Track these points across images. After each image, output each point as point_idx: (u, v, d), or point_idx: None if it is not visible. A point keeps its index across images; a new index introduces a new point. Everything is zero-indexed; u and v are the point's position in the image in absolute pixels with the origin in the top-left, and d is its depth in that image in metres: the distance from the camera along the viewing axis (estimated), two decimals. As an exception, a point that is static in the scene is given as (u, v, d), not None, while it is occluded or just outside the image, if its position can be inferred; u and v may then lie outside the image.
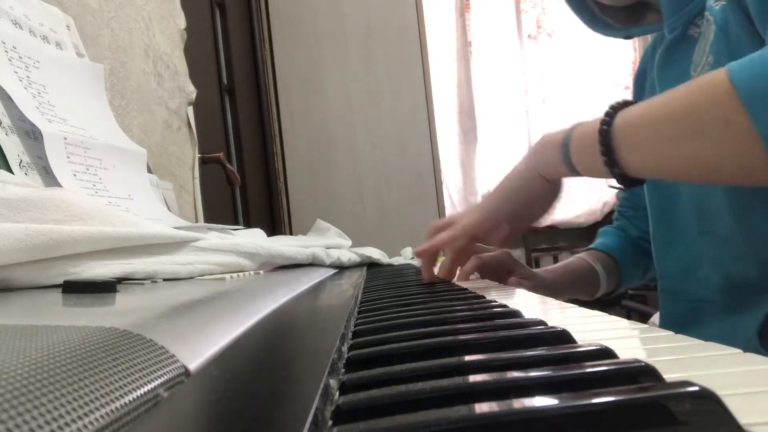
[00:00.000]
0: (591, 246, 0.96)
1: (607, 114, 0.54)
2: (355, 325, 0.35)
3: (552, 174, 0.62)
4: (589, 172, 0.58)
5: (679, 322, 0.75)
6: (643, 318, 2.06)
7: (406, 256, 1.51)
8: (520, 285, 0.77)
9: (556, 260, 3.08)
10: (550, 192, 0.65)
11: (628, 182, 0.55)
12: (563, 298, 0.91)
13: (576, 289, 0.90)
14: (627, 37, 0.83)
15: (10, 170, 0.49)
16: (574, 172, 0.59)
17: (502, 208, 0.65)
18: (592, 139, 0.54)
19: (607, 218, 3.06)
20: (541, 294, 0.82)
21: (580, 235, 3.18)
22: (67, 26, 0.72)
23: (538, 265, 2.61)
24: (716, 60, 0.61)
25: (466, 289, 0.61)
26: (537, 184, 0.63)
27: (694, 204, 0.70)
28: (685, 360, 0.27)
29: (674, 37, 0.69)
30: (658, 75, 0.72)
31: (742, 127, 0.43)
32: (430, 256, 0.71)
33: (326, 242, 0.96)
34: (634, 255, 0.93)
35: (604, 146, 0.53)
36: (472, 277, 0.79)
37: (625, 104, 0.54)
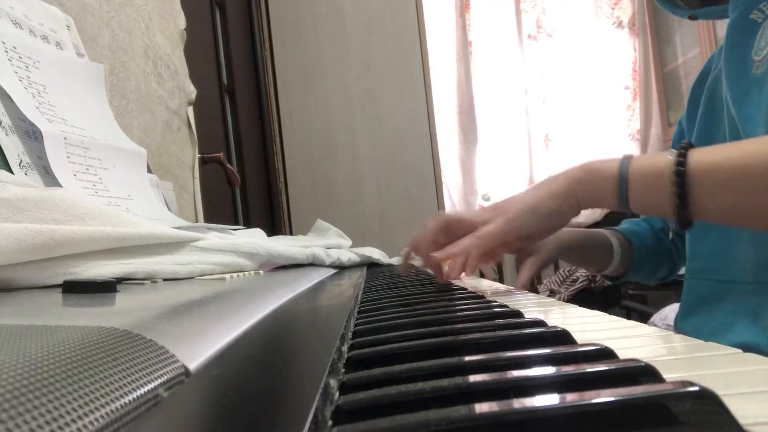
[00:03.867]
0: (615, 227, 0.96)
1: (679, 155, 0.53)
2: (355, 325, 0.35)
3: (594, 204, 0.61)
4: (645, 210, 0.58)
5: (702, 298, 0.75)
6: (643, 318, 2.06)
7: (406, 256, 1.51)
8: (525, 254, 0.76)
9: (556, 261, 3.08)
10: (572, 218, 0.64)
11: (688, 225, 0.54)
12: (573, 261, 0.91)
13: (588, 255, 0.89)
14: (691, 17, 0.82)
15: (10, 170, 0.49)
16: (625, 207, 0.58)
17: (528, 225, 0.62)
18: (659, 179, 0.54)
19: (607, 218, 3.06)
20: (553, 256, 0.81)
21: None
22: (67, 26, 0.72)
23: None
24: None
25: (466, 288, 0.61)
26: (571, 210, 0.62)
27: None
28: (685, 360, 0.27)
29: (735, 18, 0.69)
30: (724, 58, 0.71)
31: None
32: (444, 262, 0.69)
33: (326, 242, 0.96)
34: (651, 245, 0.93)
35: (680, 188, 0.52)
36: (472, 276, 0.79)
37: (691, 145, 0.54)
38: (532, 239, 0.67)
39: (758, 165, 0.49)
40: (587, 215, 3.17)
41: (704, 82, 0.84)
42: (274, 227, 2.20)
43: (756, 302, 0.68)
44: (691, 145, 0.55)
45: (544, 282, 2.62)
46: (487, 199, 3.27)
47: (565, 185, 0.61)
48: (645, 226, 0.97)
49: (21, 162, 0.51)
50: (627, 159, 0.59)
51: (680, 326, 0.82)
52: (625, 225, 0.98)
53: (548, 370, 0.22)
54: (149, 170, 0.77)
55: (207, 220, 1.27)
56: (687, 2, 0.82)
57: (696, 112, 0.84)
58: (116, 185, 0.63)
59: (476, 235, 0.62)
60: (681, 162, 0.53)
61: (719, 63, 0.77)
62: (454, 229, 0.66)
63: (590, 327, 0.37)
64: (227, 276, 0.48)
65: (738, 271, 0.72)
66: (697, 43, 2.96)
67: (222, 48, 1.81)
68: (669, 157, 0.54)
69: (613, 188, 0.58)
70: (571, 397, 0.18)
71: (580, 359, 0.23)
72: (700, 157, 0.53)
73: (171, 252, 0.47)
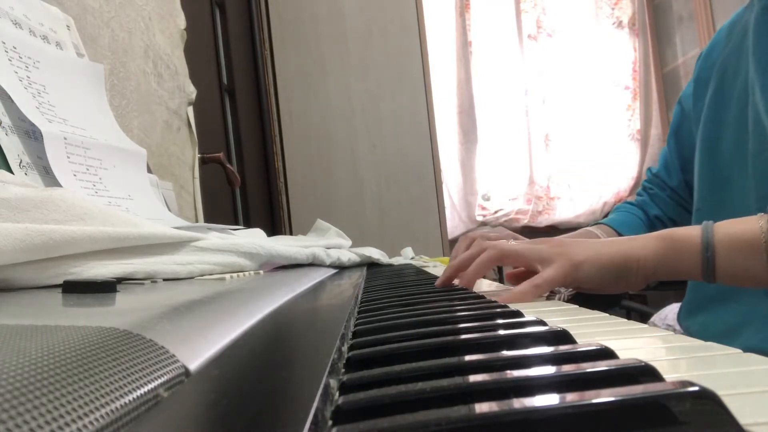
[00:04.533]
0: (601, 221, 0.95)
1: None
2: (355, 325, 0.35)
3: (674, 276, 0.56)
4: (733, 280, 0.54)
5: (708, 297, 0.75)
6: (643, 318, 2.06)
7: (406, 256, 1.51)
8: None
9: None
10: (629, 287, 0.59)
11: None
12: None
13: None
14: None
15: (10, 170, 0.49)
16: (710, 278, 0.55)
17: (591, 279, 0.56)
18: (751, 247, 0.52)
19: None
20: None
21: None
22: (67, 26, 0.72)
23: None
24: None
25: (466, 289, 0.61)
26: (638, 281, 0.56)
27: (757, 185, 0.69)
28: (685, 360, 0.27)
29: (765, 5, 0.68)
30: (755, 41, 0.69)
31: None
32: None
33: (326, 242, 0.96)
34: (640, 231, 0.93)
35: None
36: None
37: None
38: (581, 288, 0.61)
39: None
40: (587, 215, 3.18)
41: (712, 58, 0.83)
42: (274, 227, 2.20)
43: (758, 307, 0.67)
44: None
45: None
46: (487, 199, 3.27)
47: (645, 253, 0.56)
48: (638, 213, 0.96)
49: (21, 162, 0.51)
50: (708, 226, 0.55)
51: (685, 324, 0.82)
52: (614, 215, 0.96)
53: (548, 370, 0.22)
54: (149, 170, 0.77)
55: (207, 220, 1.27)
56: None
57: (705, 91, 0.83)
58: (116, 185, 0.63)
59: (536, 284, 0.55)
60: None
61: (730, 41, 0.76)
62: (506, 263, 0.61)
63: (590, 327, 0.37)
64: (227, 276, 0.48)
65: None
66: (697, 43, 2.96)
67: (222, 48, 1.81)
68: (761, 222, 0.51)
69: (697, 258, 0.54)
70: (571, 397, 0.18)
71: (580, 359, 0.23)
72: None
73: (171, 252, 0.47)
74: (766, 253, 0.51)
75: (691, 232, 0.55)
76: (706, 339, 0.29)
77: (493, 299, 0.46)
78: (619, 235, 0.91)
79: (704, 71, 0.85)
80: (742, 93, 0.73)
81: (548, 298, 0.62)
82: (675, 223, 0.91)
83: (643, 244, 0.56)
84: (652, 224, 0.94)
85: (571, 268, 0.55)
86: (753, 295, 0.69)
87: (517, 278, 0.63)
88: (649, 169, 1.01)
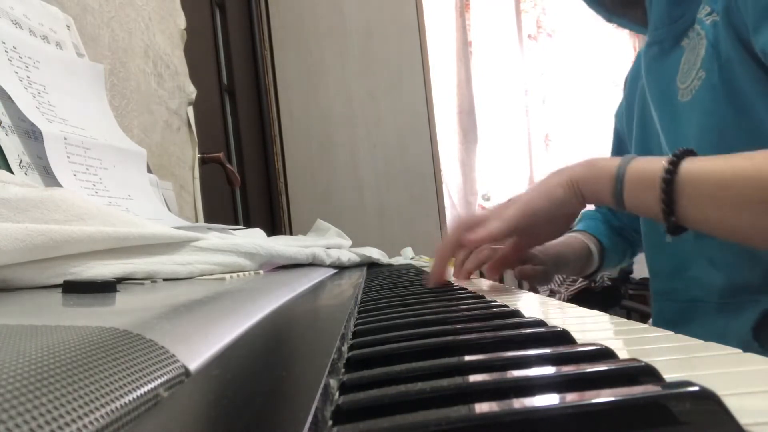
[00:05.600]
0: (580, 227, 0.98)
1: (670, 162, 0.54)
2: (355, 325, 0.35)
3: (594, 199, 0.63)
4: (638, 211, 0.59)
5: (671, 321, 0.76)
6: (643, 318, 2.06)
7: (406, 256, 1.51)
8: (535, 273, 0.78)
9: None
10: (579, 211, 0.66)
11: (677, 230, 0.56)
12: (562, 273, 0.94)
13: (574, 266, 0.92)
14: (609, 21, 0.85)
15: (10, 170, 0.49)
16: (620, 206, 0.59)
17: (543, 209, 0.63)
18: (650, 183, 0.55)
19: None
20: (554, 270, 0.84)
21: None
22: (67, 26, 0.72)
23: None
24: (707, 76, 0.63)
25: (466, 289, 0.61)
26: (577, 202, 0.63)
27: None
28: (684, 360, 0.27)
29: (653, 43, 0.71)
30: (646, 79, 0.74)
31: None
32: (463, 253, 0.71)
33: (326, 242, 0.96)
34: (617, 242, 0.96)
35: (666, 195, 0.54)
36: (472, 277, 0.79)
37: (687, 153, 0.55)
38: (541, 235, 0.68)
39: (742, 183, 0.50)
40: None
41: (636, 81, 0.84)
42: (274, 227, 2.20)
43: (722, 323, 0.67)
44: (689, 152, 0.55)
45: (544, 282, 2.61)
46: (487, 199, 3.27)
47: (570, 178, 0.63)
48: (606, 223, 0.98)
49: (21, 162, 0.51)
50: (628, 159, 0.59)
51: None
52: (588, 222, 0.98)
53: (548, 370, 0.22)
54: (149, 170, 0.77)
55: (207, 220, 1.27)
56: (606, 5, 0.82)
57: (632, 115, 0.85)
58: (116, 185, 0.63)
59: (500, 217, 0.63)
60: (671, 170, 0.54)
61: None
62: (474, 227, 0.66)
63: (590, 327, 0.37)
64: (227, 276, 0.48)
65: (699, 290, 0.71)
66: (697, 43, 2.96)
67: (222, 48, 1.81)
68: (662, 162, 0.55)
69: (610, 185, 0.59)
70: (571, 397, 0.18)
71: (580, 359, 0.23)
72: (691, 165, 0.54)
73: (171, 252, 0.47)
74: (659, 189, 0.54)
75: (612, 162, 0.60)
76: None
77: (492, 299, 0.46)
78: (600, 241, 0.94)
79: (630, 94, 0.86)
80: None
81: (548, 298, 0.62)
82: (636, 231, 0.92)
83: (571, 170, 0.63)
84: (619, 234, 0.97)
85: (524, 205, 0.63)
86: (706, 311, 0.70)
87: (495, 271, 0.72)
88: None
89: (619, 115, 0.94)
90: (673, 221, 0.55)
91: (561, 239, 0.91)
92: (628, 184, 0.58)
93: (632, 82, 0.87)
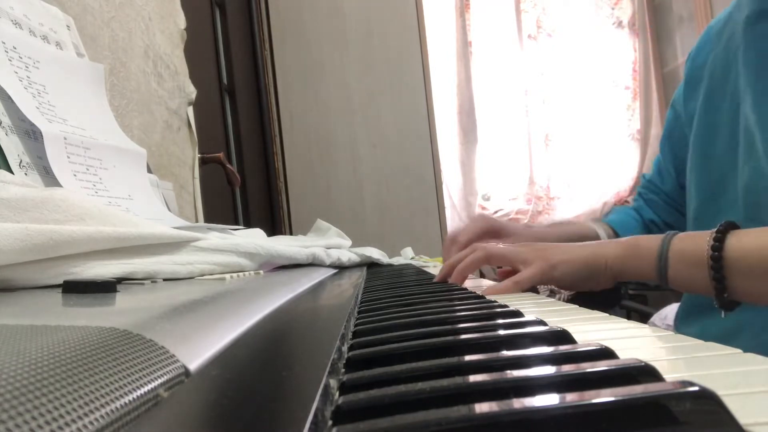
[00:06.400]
0: (605, 221, 0.97)
1: (716, 239, 0.55)
2: (355, 325, 0.35)
3: (632, 278, 0.63)
4: (683, 288, 0.60)
5: (698, 307, 0.76)
6: (643, 318, 2.06)
7: (406, 256, 1.51)
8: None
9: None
10: (599, 286, 0.66)
11: (731, 305, 0.56)
12: None
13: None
14: None
15: (10, 170, 0.49)
16: (665, 283, 0.60)
17: (565, 278, 0.64)
18: (698, 260, 0.56)
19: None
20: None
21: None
22: (67, 26, 0.72)
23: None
24: None
25: (466, 289, 0.61)
26: (603, 279, 0.63)
27: (745, 192, 0.71)
28: (684, 360, 0.27)
29: (752, 12, 0.69)
30: (744, 50, 0.70)
31: None
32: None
33: (326, 242, 0.96)
34: (638, 232, 0.93)
35: (716, 271, 0.54)
36: (471, 276, 0.80)
37: (730, 226, 0.56)
38: (558, 285, 0.68)
39: None
40: (587, 215, 3.18)
41: (701, 58, 0.83)
42: (274, 227, 2.20)
43: (754, 312, 0.67)
44: (732, 225, 0.56)
45: (544, 282, 2.61)
46: (487, 199, 3.27)
47: (611, 256, 0.63)
48: (634, 215, 0.97)
49: (21, 162, 0.51)
50: (669, 237, 0.60)
51: (681, 331, 0.82)
52: (612, 215, 0.98)
53: (548, 370, 0.22)
54: (149, 170, 0.77)
55: (207, 220, 1.27)
56: None
57: (696, 92, 0.83)
58: (116, 185, 0.63)
59: (515, 281, 0.62)
60: (718, 246, 0.54)
61: (720, 42, 0.75)
62: (493, 263, 0.68)
63: (590, 327, 0.37)
64: (227, 276, 0.48)
65: None
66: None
67: (222, 48, 1.81)
68: (707, 238, 0.55)
69: (653, 264, 0.60)
70: (571, 397, 0.18)
71: (580, 359, 0.23)
72: (738, 242, 0.54)
73: (171, 252, 0.47)
74: (707, 267, 0.55)
75: (653, 242, 0.61)
76: None
77: (492, 299, 0.46)
78: (616, 233, 0.92)
79: (694, 71, 0.85)
80: (733, 97, 0.73)
81: (548, 298, 0.62)
82: (670, 227, 0.92)
83: (612, 248, 0.63)
84: (648, 228, 0.96)
85: (548, 268, 0.63)
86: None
87: (507, 275, 0.70)
88: (643, 176, 1.02)
89: (677, 99, 0.91)
90: (725, 297, 0.55)
91: (556, 223, 0.91)
92: (673, 262, 0.58)
93: (695, 59, 0.85)
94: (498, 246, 0.69)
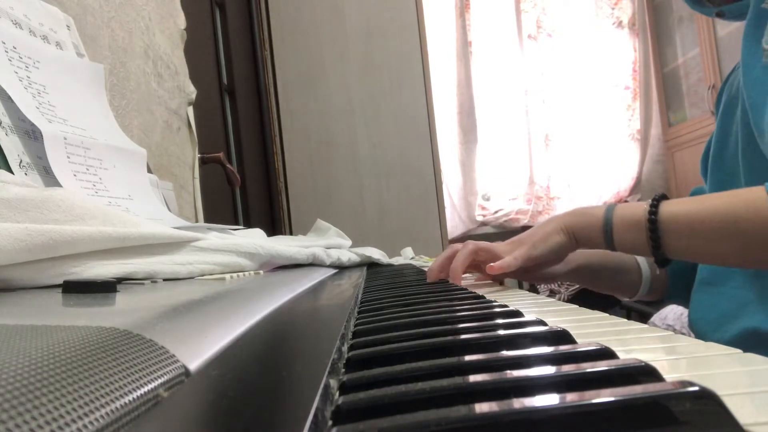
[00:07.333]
0: None
1: (652, 205, 0.65)
2: (355, 325, 0.36)
3: (586, 243, 0.73)
4: (626, 249, 0.69)
5: (704, 282, 0.78)
6: (643, 318, 2.06)
7: (406, 256, 1.51)
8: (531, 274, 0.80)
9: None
10: (571, 252, 0.76)
11: (664, 262, 0.66)
12: (592, 285, 0.91)
13: (604, 276, 0.88)
14: (719, 15, 0.83)
15: (10, 170, 0.49)
16: (611, 247, 0.70)
17: (543, 254, 0.73)
18: (636, 224, 0.66)
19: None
20: (572, 281, 0.89)
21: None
22: (67, 26, 0.72)
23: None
24: None
25: (466, 289, 0.61)
26: (571, 245, 0.74)
27: (746, 178, 0.72)
28: (685, 360, 0.27)
29: (750, 9, 0.70)
30: (742, 48, 0.73)
31: None
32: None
33: (326, 242, 0.96)
34: (689, 266, 0.88)
35: (653, 232, 0.65)
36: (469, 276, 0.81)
37: (663, 197, 0.67)
38: (542, 266, 0.78)
39: (714, 219, 0.61)
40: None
41: (727, 82, 0.84)
42: (274, 227, 2.20)
43: (760, 285, 0.68)
44: (663, 197, 0.67)
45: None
46: (487, 199, 3.27)
47: (564, 225, 0.74)
48: None
49: (21, 162, 0.51)
50: (612, 206, 0.71)
51: (690, 314, 0.82)
52: None
53: (548, 370, 0.22)
54: (149, 170, 0.77)
55: (207, 220, 1.27)
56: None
57: (719, 110, 0.84)
58: (116, 185, 0.63)
59: (514, 255, 0.74)
60: (653, 211, 0.65)
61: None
62: (480, 257, 0.76)
63: (590, 327, 0.37)
64: (227, 276, 0.48)
65: (744, 281, 0.72)
66: (697, 43, 2.96)
67: (222, 48, 1.81)
68: (644, 206, 0.66)
69: (600, 230, 0.70)
70: (571, 397, 0.18)
71: (580, 359, 0.23)
72: (669, 207, 0.65)
73: (171, 252, 0.47)
74: (645, 230, 0.65)
75: (599, 210, 0.71)
76: (706, 326, 0.29)
77: (492, 299, 0.46)
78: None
79: (719, 99, 0.85)
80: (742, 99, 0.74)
81: (548, 298, 0.62)
82: None
83: (568, 218, 0.74)
84: None
85: (531, 249, 0.74)
86: (744, 274, 0.72)
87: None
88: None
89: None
90: (660, 254, 0.65)
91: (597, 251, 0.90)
92: (617, 227, 0.69)
93: (724, 82, 0.86)
94: (480, 242, 0.79)
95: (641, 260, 0.88)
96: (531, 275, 0.81)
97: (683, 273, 0.88)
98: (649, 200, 0.66)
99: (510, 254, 0.74)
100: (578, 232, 0.73)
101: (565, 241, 0.73)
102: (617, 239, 0.69)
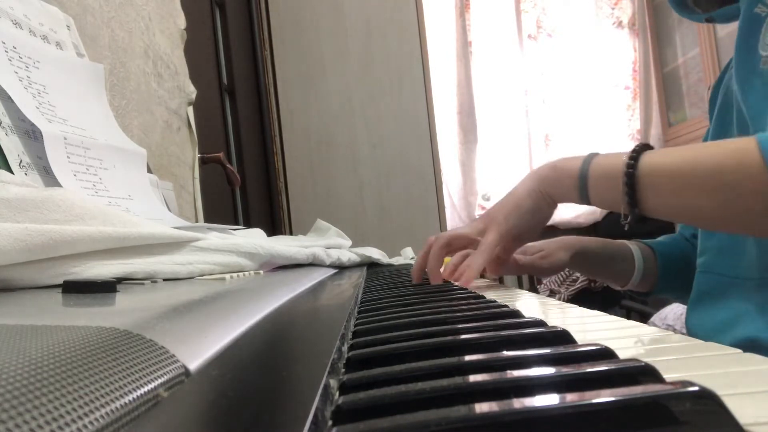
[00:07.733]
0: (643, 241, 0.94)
1: (631, 157, 0.58)
2: (355, 325, 0.35)
3: (562, 200, 0.66)
4: (603, 205, 0.63)
5: (706, 294, 0.76)
6: (643, 318, 2.06)
7: (406, 256, 1.51)
8: (537, 266, 0.78)
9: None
10: (552, 212, 0.69)
11: (640, 220, 0.59)
12: (589, 272, 0.91)
13: (604, 265, 0.88)
14: (708, 20, 0.81)
15: (10, 170, 0.49)
16: (586, 201, 0.63)
17: (517, 224, 0.67)
18: (614, 178, 0.59)
19: (607, 218, 3.06)
20: (568, 267, 0.85)
21: (579, 235, 3.18)
22: (67, 26, 0.72)
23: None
24: None
25: (466, 289, 0.61)
26: (547, 206, 0.67)
27: None
28: (685, 360, 0.27)
29: (743, 13, 0.69)
30: (735, 53, 0.72)
31: None
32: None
33: (326, 242, 0.96)
34: (680, 258, 0.89)
35: (629, 187, 0.57)
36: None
37: (646, 147, 0.59)
38: (524, 237, 0.72)
39: (697, 170, 0.54)
40: (587, 215, 3.18)
41: (721, 81, 0.83)
42: (274, 227, 2.20)
43: (761, 297, 0.68)
44: (647, 147, 0.59)
45: (544, 282, 2.62)
46: (487, 199, 3.27)
47: (537, 183, 0.67)
48: (675, 235, 0.94)
49: (21, 162, 0.51)
50: (590, 157, 0.63)
51: (687, 322, 0.82)
52: (660, 239, 0.94)
53: (548, 370, 0.22)
54: (149, 170, 0.77)
55: (207, 220, 1.27)
56: (702, 5, 0.82)
57: (713, 109, 0.84)
58: (116, 185, 0.63)
59: (481, 250, 0.67)
60: (632, 164, 0.57)
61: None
62: (454, 245, 0.72)
63: (590, 327, 0.37)
64: (227, 276, 0.48)
65: (744, 267, 0.71)
66: (697, 43, 2.96)
67: (222, 48, 1.81)
68: (623, 157, 0.58)
69: (575, 183, 0.63)
70: (571, 397, 0.18)
71: (580, 359, 0.23)
72: (650, 159, 0.57)
73: (171, 252, 0.47)
74: (622, 183, 0.58)
75: (575, 162, 0.64)
76: (703, 335, 0.29)
77: (492, 299, 0.46)
78: (652, 251, 0.89)
79: (712, 98, 0.85)
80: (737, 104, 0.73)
81: (548, 298, 0.62)
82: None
83: (536, 174, 0.68)
84: (692, 244, 0.93)
85: (502, 223, 0.67)
86: (746, 288, 0.70)
87: (495, 271, 0.75)
88: None
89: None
90: (636, 212, 0.58)
91: (590, 238, 0.90)
92: (592, 180, 0.62)
93: (717, 82, 0.86)
94: (454, 229, 0.74)
95: (635, 250, 0.88)
96: (537, 269, 0.80)
97: (673, 265, 0.89)
98: (630, 150, 0.59)
99: (481, 235, 0.68)
100: (552, 190, 0.66)
101: (539, 204, 0.66)
102: (593, 195, 0.62)
